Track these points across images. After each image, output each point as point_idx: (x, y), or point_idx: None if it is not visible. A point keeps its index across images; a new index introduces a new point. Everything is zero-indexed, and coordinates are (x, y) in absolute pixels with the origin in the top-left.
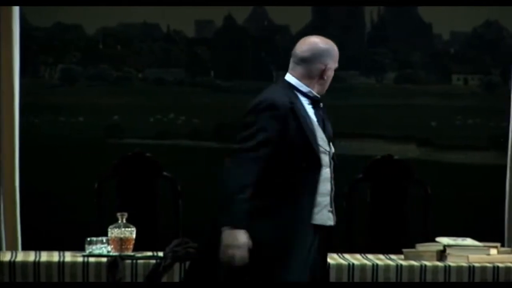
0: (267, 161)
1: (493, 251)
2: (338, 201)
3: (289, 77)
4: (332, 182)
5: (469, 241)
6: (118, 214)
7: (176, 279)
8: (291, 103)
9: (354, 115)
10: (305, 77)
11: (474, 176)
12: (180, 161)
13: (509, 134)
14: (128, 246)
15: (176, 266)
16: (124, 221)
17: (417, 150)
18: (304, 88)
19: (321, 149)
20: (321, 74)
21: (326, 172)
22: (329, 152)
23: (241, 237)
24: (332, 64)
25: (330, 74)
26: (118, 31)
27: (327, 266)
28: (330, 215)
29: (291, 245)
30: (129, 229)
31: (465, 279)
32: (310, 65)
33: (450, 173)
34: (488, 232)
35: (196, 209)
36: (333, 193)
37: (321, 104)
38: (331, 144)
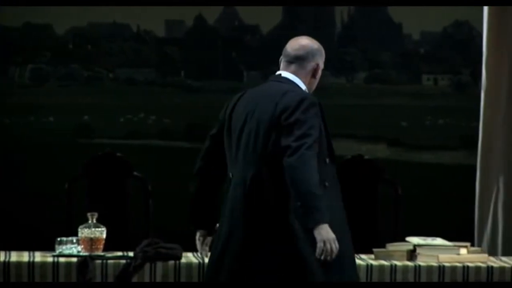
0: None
1: (463, 251)
2: None
3: (287, 74)
4: None
5: (439, 241)
6: (88, 214)
7: (147, 279)
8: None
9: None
10: (300, 75)
11: (445, 176)
12: (151, 161)
13: (479, 134)
14: (98, 246)
15: (147, 266)
16: (94, 221)
17: (387, 150)
18: (302, 85)
19: None
20: (314, 73)
21: None
22: None
23: (331, 231)
24: (321, 64)
25: (319, 73)
26: (88, 31)
27: None
28: None
29: (348, 238)
30: (99, 229)
31: (435, 279)
32: (304, 63)
33: (420, 173)
34: (458, 231)
35: (166, 209)
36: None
37: None
38: None
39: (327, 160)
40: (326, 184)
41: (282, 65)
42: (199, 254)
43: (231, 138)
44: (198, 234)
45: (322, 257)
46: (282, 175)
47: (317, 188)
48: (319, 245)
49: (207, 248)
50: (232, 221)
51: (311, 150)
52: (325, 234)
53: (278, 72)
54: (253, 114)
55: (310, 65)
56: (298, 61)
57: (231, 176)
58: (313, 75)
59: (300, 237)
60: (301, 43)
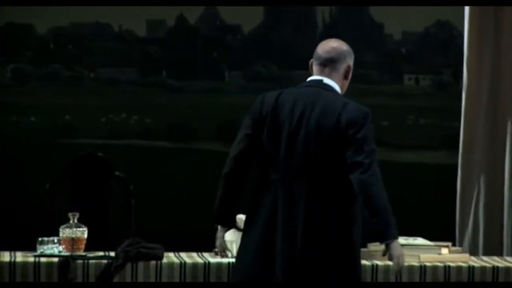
0: None
1: (445, 251)
2: None
3: (328, 81)
4: None
5: (420, 241)
6: (70, 214)
7: (128, 279)
8: None
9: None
10: (333, 78)
11: (426, 175)
12: (133, 160)
13: (460, 133)
14: (80, 246)
15: (128, 266)
16: (76, 221)
17: None
18: (338, 89)
19: None
20: (346, 74)
21: None
22: None
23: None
24: (352, 64)
25: (350, 76)
26: (69, 31)
27: None
28: None
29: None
30: (81, 229)
31: (417, 279)
32: (336, 65)
33: (402, 172)
34: (440, 231)
35: (148, 209)
36: None
37: None
38: None
39: None
40: None
41: (314, 68)
42: (215, 251)
43: (277, 140)
44: (222, 231)
45: (396, 272)
46: (341, 186)
47: (389, 204)
48: (395, 260)
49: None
50: (273, 223)
51: (377, 166)
52: (399, 249)
53: (316, 77)
54: (309, 119)
55: (342, 67)
56: (331, 63)
57: (274, 178)
58: (345, 76)
59: (357, 249)
60: (332, 45)
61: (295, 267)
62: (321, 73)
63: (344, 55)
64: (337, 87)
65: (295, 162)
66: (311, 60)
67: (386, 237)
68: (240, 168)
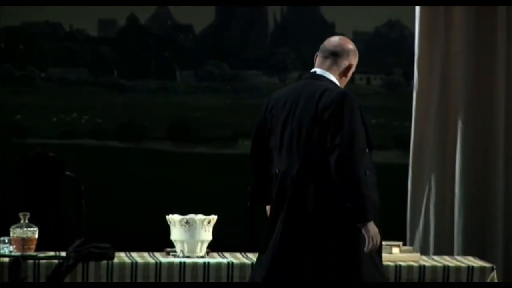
0: None
1: (396, 250)
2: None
3: (321, 71)
4: None
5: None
6: (20, 214)
7: (79, 279)
8: None
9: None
10: (333, 72)
11: (377, 175)
12: (84, 160)
13: (411, 133)
14: (31, 246)
15: (79, 266)
16: (27, 221)
17: None
18: (335, 81)
19: None
20: (345, 71)
21: None
22: None
23: (375, 226)
24: (355, 64)
25: (350, 75)
26: (20, 30)
27: None
28: None
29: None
30: (32, 229)
31: None
32: (338, 60)
33: None
34: (390, 230)
35: (99, 209)
36: None
37: None
38: None
39: (367, 150)
40: (367, 173)
41: (317, 60)
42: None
43: (275, 137)
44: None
45: (367, 251)
46: (326, 172)
47: (364, 187)
48: (367, 241)
49: None
50: (275, 214)
51: (358, 148)
52: (372, 230)
53: (313, 70)
54: (294, 113)
55: (344, 63)
56: (333, 56)
57: (277, 171)
58: (345, 73)
59: (345, 231)
60: (339, 40)
61: (281, 259)
62: (321, 65)
63: (348, 52)
64: (332, 78)
65: (284, 157)
66: (317, 53)
67: (359, 220)
68: (256, 165)
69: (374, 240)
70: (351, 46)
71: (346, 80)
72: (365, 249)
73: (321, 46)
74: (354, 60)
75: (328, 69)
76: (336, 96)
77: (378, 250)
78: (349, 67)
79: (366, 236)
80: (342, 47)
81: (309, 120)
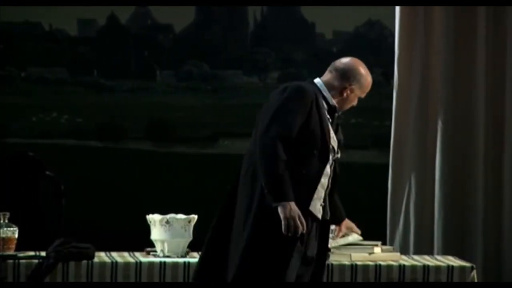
0: None
1: (377, 250)
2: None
3: (317, 80)
4: (330, 181)
5: (354, 237)
6: (0, 214)
7: (59, 278)
8: (316, 95)
9: (237, 115)
10: (329, 85)
11: (357, 174)
12: (63, 160)
13: (391, 133)
14: (10, 246)
15: (59, 265)
16: (6, 221)
17: None
18: (326, 93)
19: (331, 146)
20: (341, 91)
21: (328, 168)
22: (334, 154)
23: (296, 208)
24: (357, 90)
25: (351, 97)
26: None
27: (326, 259)
28: (321, 208)
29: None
30: (11, 229)
31: (348, 278)
32: (338, 77)
33: None
34: (370, 230)
35: (79, 208)
36: (328, 191)
37: (337, 115)
38: (338, 149)
39: (315, 151)
40: (303, 171)
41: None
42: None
43: None
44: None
45: (289, 234)
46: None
47: (279, 169)
48: (283, 222)
49: None
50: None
51: (278, 133)
52: (287, 211)
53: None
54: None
55: (342, 83)
56: (335, 72)
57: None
58: (341, 92)
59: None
60: (349, 60)
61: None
62: (322, 76)
63: (351, 73)
64: (323, 88)
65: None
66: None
67: (272, 201)
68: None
69: (291, 222)
70: (360, 70)
71: (343, 101)
72: (283, 231)
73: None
74: (355, 83)
75: (325, 82)
76: (281, 87)
77: (301, 240)
78: (345, 88)
79: (281, 217)
80: (347, 67)
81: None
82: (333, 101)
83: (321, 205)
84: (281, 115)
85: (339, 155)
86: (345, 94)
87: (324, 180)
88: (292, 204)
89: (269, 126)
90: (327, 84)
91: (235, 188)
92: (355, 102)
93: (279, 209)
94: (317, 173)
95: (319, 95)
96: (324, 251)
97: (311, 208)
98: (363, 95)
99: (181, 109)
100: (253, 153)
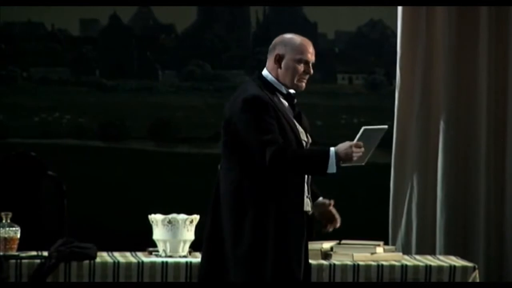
0: None
1: (379, 249)
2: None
3: (263, 72)
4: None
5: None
6: (2, 214)
7: (61, 279)
8: (268, 96)
9: None
10: (270, 69)
11: (359, 174)
12: (65, 160)
13: (393, 133)
14: (12, 246)
15: (61, 265)
16: (8, 220)
17: None
18: (275, 83)
19: (302, 140)
20: (278, 62)
21: None
22: (307, 142)
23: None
24: (289, 54)
25: (289, 64)
26: (2, 29)
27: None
28: (308, 201)
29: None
30: (13, 228)
31: (350, 279)
32: (270, 55)
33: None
34: (372, 230)
35: (81, 208)
36: (310, 180)
37: (295, 100)
38: (308, 135)
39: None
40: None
41: None
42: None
43: None
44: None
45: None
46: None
47: (303, 157)
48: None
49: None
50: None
51: (272, 150)
52: (342, 155)
53: None
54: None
55: (272, 56)
56: (269, 54)
57: None
58: (279, 65)
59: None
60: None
61: None
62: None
63: (275, 44)
64: (268, 76)
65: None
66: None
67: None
68: None
69: (351, 154)
70: (286, 37)
71: (285, 72)
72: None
73: None
74: (285, 48)
75: (268, 69)
76: (239, 103)
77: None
78: (278, 58)
79: (349, 163)
80: (274, 41)
81: (224, 133)
82: (285, 88)
83: (307, 197)
84: (261, 133)
85: (309, 141)
86: (282, 65)
87: (306, 176)
88: (332, 151)
89: (262, 151)
90: (270, 70)
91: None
92: (300, 68)
93: (341, 162)
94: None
95: (272, 91)
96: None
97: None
98: (303, 56)
99: (184, 109)
100: (230, 171)
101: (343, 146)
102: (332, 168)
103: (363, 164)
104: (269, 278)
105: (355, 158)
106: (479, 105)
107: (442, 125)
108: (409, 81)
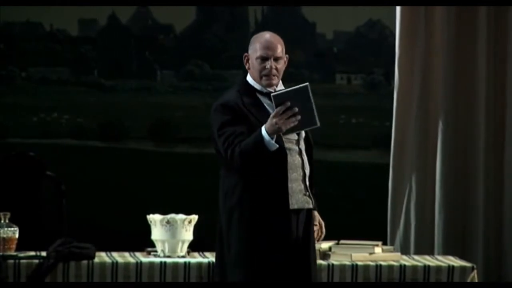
0: None
1: (378, 250)
2: None
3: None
4: (305, 167)
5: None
6: (1, 214)
7: (60, 279)
8: (241, 97)
9: None
10: (248, 70)
11: (358, 175)
12: (64, 160)
13: (392, 133)
14: (11, 246)
15: (60, 265)
16: (7, 220)
17: None
18: (256, 84)
19: (285, 139)
20: (248, 63)
21: (294, 159)
22: (297, 140)
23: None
24: (252, 54)
25: (253, 63)
26: (1, 29)
27: (311, 248)
28: (307, 198)
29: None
30: (12, 228)
31: (348, 279)
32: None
33: (333, 172)
34: (371, 230)
35: (80, 208)
36: (307, 178)
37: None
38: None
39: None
40: (269, 172)
41: None
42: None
43: None
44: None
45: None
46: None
47: (248, 148)
48: (277, 126)
49: None
50: None
51: (232, 148)
52: (270, 128)
53: None
54: None
55: (245, 60)
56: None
57: None
58: (249, 66)
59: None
60: None
61: None
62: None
63: (249, 45)
64: (248, 77)
65: None
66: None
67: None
68: None
69: (278, 121)
70: (252, 38)
71: (253, 72)
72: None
73: None
74: (249, 51)
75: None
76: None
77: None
78: (246, 59)
79: (277, 129)
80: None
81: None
82: (264, 88)
83: (304, 194)
84: (221, 139)
85: (303, 135)
86: (248, 65)
87: (296, 174)
88: (263, 130)
89: (225, 156)
90: (249, 72)
91: None
92: (261, 66)
93: (281, 135)
94: (282, 170)
95: (252, 93)
96: (308, 238)
97: (293, 205)
98: (260, 52)
99: (182, 109)
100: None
101: (268, 120)
102: (272, 144)
103: (317, 126)
104: (260, 277)
105: (288, 126)
106: (477, 105)
107: (440, 125)
108: (407, 81)
